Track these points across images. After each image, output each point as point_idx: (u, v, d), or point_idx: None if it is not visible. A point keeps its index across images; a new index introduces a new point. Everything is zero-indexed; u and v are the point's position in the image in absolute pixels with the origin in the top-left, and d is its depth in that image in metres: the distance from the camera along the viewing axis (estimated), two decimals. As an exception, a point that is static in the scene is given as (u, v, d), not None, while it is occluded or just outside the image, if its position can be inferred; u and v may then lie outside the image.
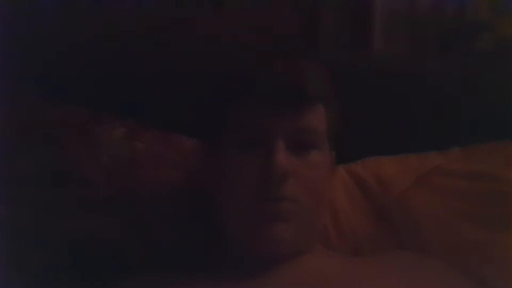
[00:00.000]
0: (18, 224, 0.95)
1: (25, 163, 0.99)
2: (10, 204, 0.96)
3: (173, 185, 1.01)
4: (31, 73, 1.07)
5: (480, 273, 0.92)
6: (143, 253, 0.96)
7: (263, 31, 1.15)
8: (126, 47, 1.12)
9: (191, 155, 1.02)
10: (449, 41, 1.21)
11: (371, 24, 1.20)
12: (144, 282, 0.89)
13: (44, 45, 1.11)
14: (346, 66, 1.10)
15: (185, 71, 1.10)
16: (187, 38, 1.13)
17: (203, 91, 0.96)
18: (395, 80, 1.10)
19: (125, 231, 0.97)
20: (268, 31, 1.15)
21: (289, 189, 0.84)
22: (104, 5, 1.15)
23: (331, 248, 0.98)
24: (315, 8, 1.21)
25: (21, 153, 0.99)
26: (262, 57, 0.90)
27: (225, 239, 0.91)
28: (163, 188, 1.00)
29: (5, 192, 0.96)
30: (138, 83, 1.10)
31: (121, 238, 0.97)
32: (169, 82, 1.11)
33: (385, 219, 1.00)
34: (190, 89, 1.07)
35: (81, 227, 0.97)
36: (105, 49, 1.12)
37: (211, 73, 0.96)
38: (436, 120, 1.09)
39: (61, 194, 0.98)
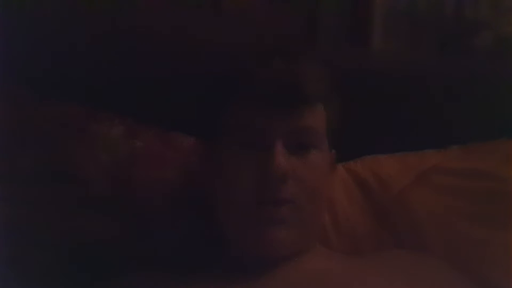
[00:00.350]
0: (17, 223, 0.95)
1: (23, 162, 0.98)
2: (8, 203, 0.95)
3: (172, 184, 1.00)
4: (29, 72, 1.06)
5: (479, 271, 0.92)
6: (142, 252, 0.96)
7: (262, 31, 1.14)
8: (125, 45, 1.12)
9: (190, 154, 1.02)
10: (448, 39, 1.21)
11: (370, 23, 1.20)
12: (144, 282, 0.89)
13: (42, 43, 1.11)
14: (345, 66, 1.10)
15: (184, 70, 1.10)
16: (186, 37, 1.12)
17: (202, 90, 0.95)
18: (394, 79, 1.10)
19: (124, 230, 0.97)
20: (267, 31, 1.15)
21: (288, 191, 0.83)
22: (103, 4, 1.14)
23: (330, 247, 0.98)
24: (314, 8, 1.21)
25: (19, 152, 0.99)
26: (261, 57, 0.89)
27: (224, 239, 0.90)
28: (162, 187, 1.00)
29: (3, 191, 0.95)
30: (137, 81, 1.10)
31: (120, 237, 0.96)
32: (168, 80, 1.10)
33: (384, 218, 1.00)
34: (189, 88, 1.07)
35: (79, 226, 0.96)
36: (104, 47, 1.12)
37: (210, 73, 0.96)
38: (435, 119, 1.09)
39: (59, 193, 0.98)
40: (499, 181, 0.98)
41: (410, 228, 0.98)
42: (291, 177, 0.83)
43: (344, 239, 1.00)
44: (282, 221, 0.83)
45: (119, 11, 1.15)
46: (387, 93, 1.10)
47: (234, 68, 0.91)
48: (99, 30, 1.13)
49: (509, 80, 1.07)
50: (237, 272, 0.86)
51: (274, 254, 0.85)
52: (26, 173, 0.98)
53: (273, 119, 0.84)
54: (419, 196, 0.99)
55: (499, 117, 1.05)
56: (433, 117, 1.09)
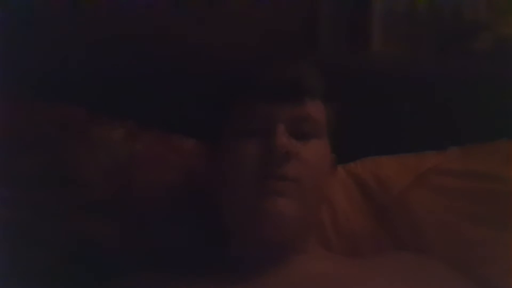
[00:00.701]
0: (17, 225, 0.95)
1: (23, 165, 0.99)
2: (9, 205, 0.96)
3: (173, 185, 1.01)
4: (30, 74, 1.07)
5: (479, 272, 0.92)
6: (143, 253, 0.97)
7: (263, 31, 1.15)
8: (125, 47, 1.12)
9: (191, 156, 1.03)
10: (447, 41, 1.21)
11: (369, 25, 1.20)
12: (144, 283, 0.89)
13: (43, 45, 1.11)
14: (344, 67, 1.11)
15: (185, 71, 1.10)
16: (187, 36, 1.13)
17: (203, 88, 0.97)
18: (394, 80, 1.10)
19: (124, 232, 0.97)
20: (267, 31, 1.15)
21: (291, 169, 0.84)
22: (104, 6, 1.15)
23: (330, 248, 0.98)
24: (314, 8, 1.21)
25: (19, 154, 0.99)
26: (262, 54, 0.91)
27: (225, 239, 0.91)
28: (163, 189, 1.00)
29: (4, 193, 0.96)
30: (137, 83, 1.10)
31: (120, 238, 0.97)
32: (169, 82, 1.11)
33: (384, 219, 1.00)
34: (190, 88, 1.08)
35: (80, 228, 0.97)
36: (104, 49, 1.12)
37: (214, 71, 0.97)
38: (435, 120, 1.09)
39: (60, 195, 0.98)
40: (499, 182, 0.98)
41: (410, 228, 0.98)
42: (293, 157, 0.85)
43: (344, 240, 1.00)
44: (283, 193, 0.84)
45: (120, 13, 1.15)
46: (387, 94, 1.10)
47: (237, 66, 0.94)
48: (100, 33, 1.13)
49: (508, 81, 1.07)
50: (236, 273, 0.86)
51: (274, 230, 0.84)
52: (26, 176, 0.98)
53: (275, 109, 0.87)
54: (418, 197, 0.99)
55: (498, 118, 1.06)
56: (432, 118, 1.09)
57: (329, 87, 0.91)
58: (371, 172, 1.04)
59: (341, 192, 1.03)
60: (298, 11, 1.21)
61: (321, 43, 1.20)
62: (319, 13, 1.21)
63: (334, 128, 0.92)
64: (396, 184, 1.01)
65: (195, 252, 0.96)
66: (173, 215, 0.99)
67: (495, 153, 1.02)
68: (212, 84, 0.95)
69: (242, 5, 1.18)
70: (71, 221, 0.97)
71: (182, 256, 0.96)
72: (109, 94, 1.09)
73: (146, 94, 1.10)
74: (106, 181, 1.00)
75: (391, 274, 0.86)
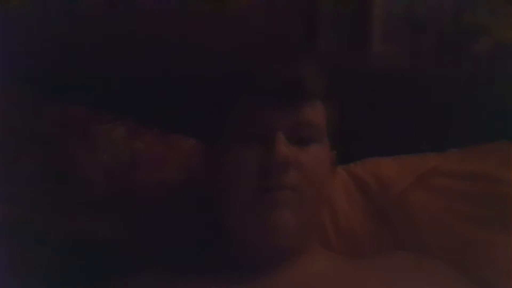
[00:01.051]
0: (18, 224, 0.95)
1: (24, 163, 0.98)
2: (10, 203, 0.96)
3: (173, 185, 1.01)
4: (31, 73, 1.06)
5: (479, 272, 0.92)
6: (143, 252, 0.96)
7: (263, 31, 1.15)
8: (126, 46, 1.12)
9: (191, 155, 1.03)
10: (447, 43, 1.21)
11: (369, 26, 1.20)
12: (144, 282, 0.89)
13: (43, 44, 1.11)
14: (345, 67, 1.11)
15: (185, 70, 1.10)
16: (187, 36, 1.13)
17: (203, 89, 0.96)
18: (394, 82, 1.10)
19: (124, 231, 0.97)
20: (267, 31, 1.15)
21: (290, 178, 0.84)
22: (105, 5, 1.14)
23: (330, 248, 0.98)
24: (314, 9, 1.22)
25: (20, 153, 0.99)
26: (261, 55, 0.91)
27: (225, 239, 0.91)
28: (163, 188, 1.00)
29: (4, 192, 0.96)
30: (138, 82, 1.10)
31: (121, 237, 0.97)
32: (169, 81, 1.11)
33: (384, 219, 1.00)
34: (190, 88, 1.08)
35: (81, 226, 0.97)
36: (105, 49, 1.12)
37: (212, 72, 0.97)
38: (434, 121, 1.09)
39: (60, 193, 0.98)
40: (498, 183, 0.98)
41: (410, 229, 0.98)
42: (293, 166, 0.84)
43: (345, 240, 1.00)
44: (284, 204, 0.83)
45: (120, 12, 1.15)
46: (387, 95, 1.10)
47: (236, 67, 0.93)
48: (101, 32, 1.13)
49: (507, 83, 1.08)
50: (237, 273, 0.86)
51: (276, 242, 0.85)
52: (27, 174, 0.98)
53: (274, 113, 0.86)
54: (418, 198, 0.99)
55: (497, 119, 1.06)
56: (431, 119, 1.09)
57: (329, 87, 0.91)
58: (372, 173, 1.04)
59: (341, 192, 1.03)
60: (298, 11, 1.21)
61: (321, 44, 1.21)
62: (319, 14, 1.21)
63: (334, 128, 0.91)
64: (396, 185, 1.01)
65: (196, 251, 0.96)
66: (173, 215, 0.99)
67: (495, 155, 1.03)
68: (210, 85, 0.95)
69: (241, 5, 1.19)
70: (72, 220, 0.97)
71: (182, 255, 0.95)
72: (110, 92, 1.09)
73: (147, 93, 1.10)
74: (106, 180, 0.99)
75: (391, 274, 0.86)
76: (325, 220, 1.00)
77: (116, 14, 1.15)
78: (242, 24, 1.15)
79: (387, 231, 0.99)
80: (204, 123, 0.96)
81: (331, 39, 1.20)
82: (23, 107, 1.03)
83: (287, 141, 0.85)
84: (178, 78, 1.10)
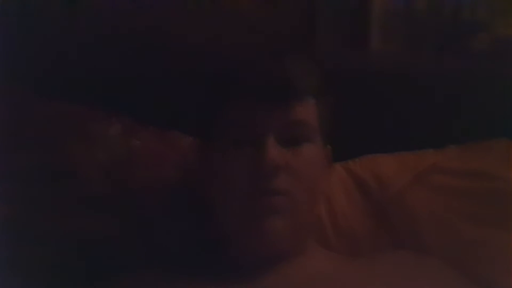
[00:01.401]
0: (14, 222, 0.95)
1: (20, 161, 0.98)
2: (5, 202, 0.95)
3: (170, 182, 1.00)
4: (26, 71, 1.06)
5: (479, 271, 0.91)
6: (141, 251, 0.96)
7: (257, 29, 1.14)
8: (121, 44, 1.11)
9: (188, 153, 1.02)
10: (446, 40, 1.21)
11: (368, 23, 1.20)
12: (143, 282, 0.88)
13: (39, 41, 1.11)
14: (343, 65, 1.10)
15: (181, 67, 1.10)
16: (181, 34, 1.12)
17: (195, 88, 0.96)
18: (392, 78, 1.10)
19: (122, 229, 0.97)
20: (263, 29, 1.15)
21: (282, 183, 0.83)
22: (100, 3, 1.14)
23: (329, 246, 0.97)
24: (312, 7, 1.21)
25: (16, 151, 0.98)
26: (250, 55, 0.90)
27: (223, 239, 0.90)
28: (160, 186, 1.00)
29: (1, 191, 0.95)
30: (134, 80, 1.10)
31: (118, 236, 0.96)
32: (165, 78, 1.10)
33: (383, 218, 0.99)
34: (186, 85, 1.07)
35: (78, 224, 0.96)
36: (101, 46, 1.12)
37: (202, 71, 0.96)
38: (433, 118, 1.08)
39: (56, 191, 0.98)
40: (498, 181, 0.98)
41: (409, 228, 0.97)
42: (284, 170, 0.83)
43: (343, 239, 0.99)
44: (276, 211, 0.83)
45: (116, 10, 1.15)
46: (386, 92, 1.10)
47: (223, 67, 0.91)
48: (97, 30, 1.12)
49: (507, 80, 1.07)
50: (235, 272, 0.85)
51: (270, 247, 0.84)
52: (23, 172, 0.97)
53: (263, 115, 0.84)
54: (417, 196, 0.98)
55: (497, 116, 1.05)
56: (431, 116, 1.08)
57: (322, 85, 0.89)
58: (370, 170, 1.03)
59: (339, 190, 1.02)
60: (296, 8, 1.21)
61: (319, 41, 1.20)
62: (318, 11, 1.21)
63: (328, 125, 0.90)
64: (395, 182, 1.01)
65: (193, 250, 0.95)
66: (171, 212, 0.98)
67: (494, 152, 1.02)
68: (205, 83, 0.95)
69: (239, 3, 1.18)
70: (69, 218, 0.96)
71: (180, 254, 0.95)
72: (106, 90, 1.08)
73: (143, 90, 1.10)
74: (103, 177, 0.99)
75: (390, 273, 0.85)
76: (324, 218, 1.00)
77: (112, 12, 1.15)
78: (238, 22, 1.15)
79: (386, 230, 0.98)
80: (198, 122, 0.95)
81: (330, 36, 1.20)
82: (19, 105, 1.03)
83: (278, 144, 0.83)
84: (175, 75, 1.09)
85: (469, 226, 0.95)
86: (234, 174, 0.84)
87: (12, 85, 1.04)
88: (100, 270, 0.92)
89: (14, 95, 1.03)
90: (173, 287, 0.87)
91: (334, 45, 1.19)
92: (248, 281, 0.84)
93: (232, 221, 0.86)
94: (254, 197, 0.83)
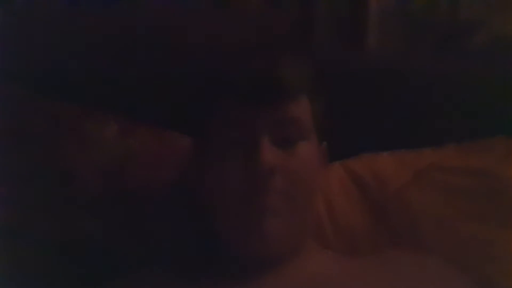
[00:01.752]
0: (13, 223, 0.94)
1: (16, 162, 0.97)
2: (3, 204, 0.95)
3: (168, 183, 0.99)
4: (23, 71, 1.05)
5: (479, 270, 0.91)
6: (139, 253, 0.95)
7: (252, 28, 1.14)
8: (118, 45, 1.11)
9: (185, 153, 1.01)
10: (444, 38, 1.21)
11: (365, 21, 1.19)
12: (142, 283, 0.88)
13: (35, 42, 1.10)
14: (341, 62, 1.10)
15: (173, 68, 1.09)
16: (176, 36, 1.12)
17: (187, 88, 0.95)
18: (390, 76, 1.09)
19: (119, 230, 0.96)
20: (257, 28, 1.14)
21: (277, 184, 0.82)
22: (98, 4, 1.13)
23: (327, 245, 0.97)
24: (308, 5, 1.21)
25: (12, 152, 0.98)
26: (242, 53, 0.89)
27: (221, 239, 0.89)
28: (157, 186, 0.99)
29: None
30: (129, 80, 1.09)
31: (116, 237, 0.96)
32: (159, 79, 1.09)
33: (382, 216, 0.99)
34: (177, 86, 1.06)
35: (75, 226, 0.95)
36: (97, 46, 1.11)
37: (194, 71, 0.95)
38: (432, 117, 1.08)
39: (53, 192, 0.97)
40: (497, 179, 0.98)
41: (408, 226, 0.97)
42: (279, 170, 0.82)
43: (342, 237, 0.99)
44: (273, 211, 0.82)
45: (113, 10, 1.14)
46: (384, 90, 1.09)
47: (216, 64, 0.91)
48: (95, 30, 1.12)
49: (505, 78, 1.07)
50: (235, 273, 0.85)
51: (267, 248, 0.83)
52: (20, 174, 0.97)
53: (255, 115, 0.83)
54: (416, 195, 0.98)
55: (496, 114, 1.05)
56: (430, 114, 1.08)
57: (315, 82, 0.88)
58: (369, 168, 1.03)
59: (338, 189, 1.02)
60: (292, 7, 1.20)
61: (316, 40, 1.20)
62: (314, 10, 1.20)
63: (322, 120, 0.89)
64: (394, 181, 1.00)
65: (192, 251, 0.95)
66: (169, 213, 0.97)
67: (493, 150, 1.02)
68: (195, 82, 0.94)
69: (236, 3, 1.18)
70: (67, 219, 0.95)
71: (179, 255, 0.94)
72: (102, 90, 1.08)
73: (139, 90, 1.09)
74: (100, 178, 0.98)
75: (390, 273, 0.85)
76: (322, 217, 0.99)
77: (108, 13, 1.14)
78: (232, 20, 1.14)
79: (385, 228, 0.98)
80: (192, 122, 0.94)
81: (326, 35, 1.19)
82: (16, 106, 1.02)
83: (272, 145, 0.82)
84: (169, 74, 1.08)
85: (468, 224, 0.95)
86: (230, 176, 0.83)
87: (8, 86, 1.03)
88: (99, 272, 0.92)
89: (10, 96, 1.03)
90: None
91: (331, 43, 1.18)
92: (248, 282, 0.84)
93: (230, 222, 0.85)
94: (250, 198, 0.82)
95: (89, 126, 1.02)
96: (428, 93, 1.09)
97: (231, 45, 0.99)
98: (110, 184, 0.98)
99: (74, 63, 1.10)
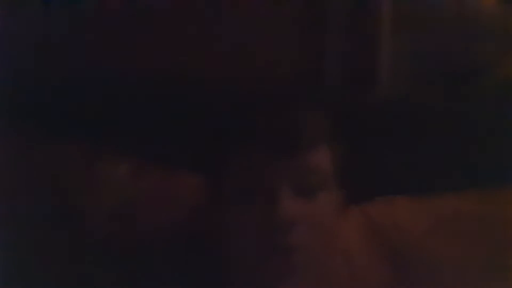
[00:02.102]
0: (21, 266, 0.92)
1: (25, 202, 0.95)
2: (11, 245, 0.93)
3: (179, 225, 0.96)
4: (33, 109, 1.02)
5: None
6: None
7: (266, 70, 1.12)
8: (131, 85, 1.08)
9: (197, 196, 0.98)
10: (456, 79, 1.20)
11: (376, 63, 1.18)
12: None
13: (42, 76, 1.07)
14: (352, 106, 1.08)
15: (190, 106, 1.07)
16: (186, 76, 1.10)
17: (203, 133, 0.93)
18: (408, 119, 1.08)
19: (128, 271, 0.94)
20: (269, 71, 1.12)
21: (297, 238, 0.80)
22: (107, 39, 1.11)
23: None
24: (320, 46, 1.19)
25: (20, 193, 0.96)
26: (260, 103, 0.87)
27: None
28: (167, 227, 0.96)
29: (6, 232, 0.93)
30: (141, 119, 1.06)
31: (124, 280, 0.93)
32: (172, 119, 1.07)
33: (402, 266, 0.96)
34: (191, 130, 1.03)
35: (83, 267, 0.94)
36: (106, 84, 1.09)
37: (210, 118, 0.94)
38: (452, 160, 1.06)
39: (62, 233, 0.95)
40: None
41: (429, 277, 0.95)
42: (299, 221, 0.80)
43: (358, 285, 0.96)
44: (293, 271, 0.80)
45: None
46: (400, 132, 1.07)
47: (234, 114, 0.89)
48: (103, 67, 1.09)
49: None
50: None
51: None
52: (29, 215, 0.95)
53: (276, 164, 0.81)
54: (437, 244, 0.96)
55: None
56: (449, 158, 1.06)
57: (334, 129, 0.87)
58: (387, 215, 1.00)
59: (355, 235, 0.99)
60: (303, 48, 1.19)
61: (327, 83, 1.18)
62: (325, 51, 1.19)
63: (342, 167, 0.87)
64: (413, 228, 0.98)
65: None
66: (178, 255, 0.94)
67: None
68: (211, 128, 0.92)
69: (244, 39, 1.16)
70: (75, 261, 0.94)
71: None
72: (113, 129, 1.05)
73: (151, 130, 1.06)
74: (108, 218, 0.96)
75: None
76: (339, 266, 0.96)
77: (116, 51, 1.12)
78: (245, 58, 1.12)
79: (405, 278, 0.95)
80: (207, 166, 0.91)
81: (338, 77, 1.17)
82: (23, 145, 1.00)
83: (291, 195, 0.80)
84: (186, 117, 1.06)
85: (491, 276, 0.94)
86: (246, 227, 0.81)
87: (14, 124, 1.01)
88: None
89: (20, 135, 1.01)
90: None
91: (342, 86, 1.17)
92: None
93: (244, 277, 0.82)
94: (268, 255, 0.79)
95: (100, 167, 1.00)
96: (447, 134, 1.07)
97: (251, 94, 0.98)
98: (120, 226, 0.96)
99: (83, 102, 1.07)
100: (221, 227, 0.85)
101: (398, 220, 0.99)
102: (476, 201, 1.01)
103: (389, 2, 1.09)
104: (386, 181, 1.04)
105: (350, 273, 0.96)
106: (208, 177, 0.91)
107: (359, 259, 0.97)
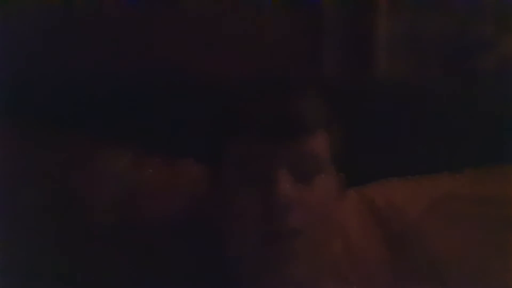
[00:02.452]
0: (23, 255, 0.94)
1: (27, 194, 0.97)
2: (13, 234, 0.94)
3: (180, 213, 0.98)
4: (34, 101, 1.04)
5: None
6: (150, 283, 0.94)
7: (264, 61, 1.13)
8: (130, 73, 1.10)
9: (198, 183, 0.99)
10: (453, 60, 1.20)
11: (373, 47, 1.19)
12: None
13: (44, 69, 1.09)
14: (350, 89, 1.09)
15: (191, 94, 1.08)
16: (189, 67, 1.11)
17: (202, 121, 0.95)
18: (402, 102, 1.08)
19: (130, 260, 0.95)
20: (268, 60, 1.13)
21: (296, 220, 0.81)
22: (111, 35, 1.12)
23: (342, 275, 0.95)
24: (317, 33, 1.20)
25: (22, 184, 0.97)
26: (260, 87, 0.88)
27: (234, 274, 0.88)
28: (170, 217, 0.98)
29: (7, 225, 0.94)
30: (142, 108, 1.08)
31: (127, 268, 0.95)
32: (173, 106, 1.08)
33: (399, 247, 0.97)
34: (191, 118, 1.05)
35: (86, 256, 0.95)
36: (109, 73, 1.10)
37: (209, 105, 0.95)
38: (448, 140, 1.07)
39: (65, 224, 0.96)
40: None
41: (426, 258, 0.96)
42: (298, 205, 0.81)
43: (358, 269, 0.97)
44: (293, 256, 0.81)
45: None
46: (398, 115, 1.08)
47: (231, 103, 0.90)
48: (107, 58, 1.11)
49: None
50: None
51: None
52: (31, 205, 0.96)
53: (274, 149, 0.82)
54: (433, 225, 0.97)
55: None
56: (446, 138, 1.07)
57: (332, 114, 0.88)
58: (385, 196, 1.01)
59: (354, 217, 1.00)
60: (300, 33, 1.19)
61: (325, 68, 1.19)
62: (323, 37, 1.20)
63: (341, 152, 0.88)
64: (410, 210, 0.99)
65: (206, 282, 0.93)
66: (181, 244, 0.96)
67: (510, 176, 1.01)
68: (210, 115, 0.93)
69: (244, 29, 1.17)
70: (78, 250, 0.95)
71: (192, 286, 0.93)
72: (115, 118, 1.06)
73: (152, 118, 1.08)
74: (112, 207, 0.97)
75: None
76: (338, 248, 0.98)
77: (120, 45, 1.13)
78: (245, 48, 1.13)
79: (402, 259, 0.96)
80: (207, 153, 0.93)
81: (336, 62, 1.18)
82: (25, 138, 1.01)
83: (290, 179, 0.81)
84: (186, 106, 1.07)
85: (488, 256, 0.94)
86: (245, 211, 0.82)
87: (16, 116, 1.02)
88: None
89: (18, 129, 1.02)
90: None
91: (340, 70, 1.18)
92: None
93: (245, 260, 0.84)
94: (268, 239, 0.80)
95: (102, 157, 1.01)
96: (443, 116, 1.08)
97: (248, 79, 0.99)
98: (123, 215, 0.97)
99: (85, 91, 1.08)
100: (221, 212, 0.86)
101: (396, 202, 1.00)
102: (473, 181, 1.02)
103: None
104: (384, 164, 1.05)
105: (349, 255, 0.98)
106: (208, 163, 0.93)
107: (357, 242, 0.99)
